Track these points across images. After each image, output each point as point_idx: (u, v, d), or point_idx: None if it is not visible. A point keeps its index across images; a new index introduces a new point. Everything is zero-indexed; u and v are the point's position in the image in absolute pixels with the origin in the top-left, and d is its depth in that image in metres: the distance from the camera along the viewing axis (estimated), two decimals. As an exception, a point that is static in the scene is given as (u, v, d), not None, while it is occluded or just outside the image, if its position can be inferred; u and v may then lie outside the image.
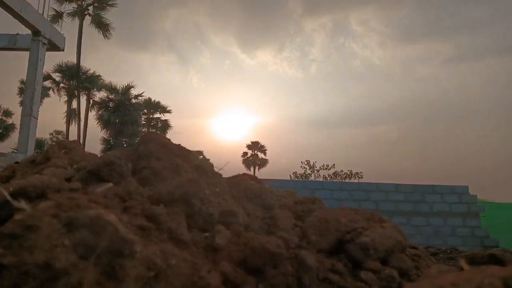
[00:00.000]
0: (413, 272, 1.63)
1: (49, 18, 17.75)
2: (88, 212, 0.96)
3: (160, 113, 32.67)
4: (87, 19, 25.41)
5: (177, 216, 1.38)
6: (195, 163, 1.69)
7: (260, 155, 43.40)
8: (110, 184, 1.39)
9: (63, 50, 15.48)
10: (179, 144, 1.96)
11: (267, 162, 43.42)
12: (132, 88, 30.07)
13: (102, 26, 25.77)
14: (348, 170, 35.80)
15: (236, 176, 1.90)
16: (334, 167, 36.09)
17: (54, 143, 2.02)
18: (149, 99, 31.97)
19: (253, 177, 1.92)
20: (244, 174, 1.92)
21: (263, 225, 1.65)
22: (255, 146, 43.34)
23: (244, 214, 1.68)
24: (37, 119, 12.55)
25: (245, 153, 43.14)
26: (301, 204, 1.89)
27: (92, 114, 29.37)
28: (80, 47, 25.17)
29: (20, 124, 13.19)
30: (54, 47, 14.41)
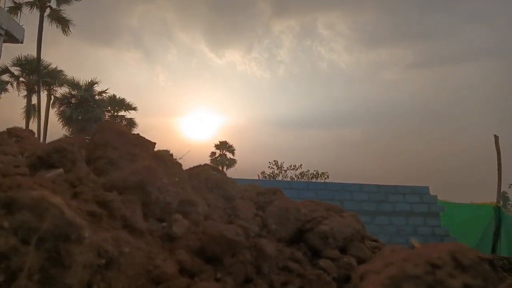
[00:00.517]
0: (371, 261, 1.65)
1: (6, 9, 16.94)
2: (30, 193, 0.89)
3: (125, 111, 31.79)
4: (48, 12, 24.42)
5: (132, 204, 1.33)
6: (152, 152, 1.64)
7: (229, 155, 43.22)
8: (61, 170, 1.32)
9: (22, 42, 14.81)
10: (138, 134, 1.90)
11: (235, 162, 43.30)
12: (96, 84, 29.11)
13: (62, 22, 24.81)
14: (314, 170, 36.24)
15: (197, 166, 1.86)
16: (301, 167, 36.46)
17: (3, 131, 1.91)
18: (114, 96, 31.04)
19: (215, 168, 1.89)
20: (205, 164, 1.88)
21: (223, 215, 1.62)
22: (223, 146, 43.09)
23: (205, 204, 1.65)
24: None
25: (213, 153, 42.81)
26: (263, 195, 1.88)
27: (53, 110, 28.24)
28: (41, 41, 24.12)
29: (-26, 119, 12.49)
30: (12, 38, 13.78)
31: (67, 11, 25.43)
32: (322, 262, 1.41)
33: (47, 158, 1.44)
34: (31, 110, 26.75)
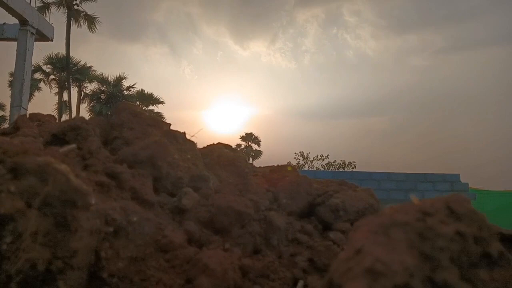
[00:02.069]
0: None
1: (36, 8, 17.49)
2: (36, 159, 0.92)
3: (153, 105, 32.41)
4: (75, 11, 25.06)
5: (142, 177, 1.35)
6: (165, 130, 1.66)
7: (254, 146, 43.37)
8: (74, 145, 1.36)
9: (52, 40, 15.27)
10: (152, 115, 1.92)
11: (261, 154, 43.41)
12: (124, 80, 29.80)
13: (89, 19, 25.42)
14: (341, 160, 35.91)
15: (210, 145, 1.87)
16: (327, 158, 36.18)
17: (24, 115, 1.98)
18: (142, 90, 31.67)
19: (228, 146, 1.89)
20: (218, 143, 1.89)
21: (235, 190, 1.63)
22: (249, 137, 43.26)
23: (216, 180, 1.66)
24: (27, 110, 12.41)
25: (239, 145, 43.05)
26: (276, 172, 1.87)
27: (84, 106, 29.11)
28: (69, 38, 24.86)
29: (10, 115, 13.04)
30: (42, 37, 14.21)
31: (93, 9, 26.03)
32: (332, 234, 1.40)
33: (61, 136, 1.49)
34: (62, 107, 27.66)
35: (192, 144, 1.70)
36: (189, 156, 1.61)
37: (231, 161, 1.77)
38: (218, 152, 1.79)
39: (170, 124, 1.92)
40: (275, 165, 1.90)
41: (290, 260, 1.33)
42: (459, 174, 11.99)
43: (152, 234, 1.23)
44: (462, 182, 11.90)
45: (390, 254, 0.52)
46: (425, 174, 12.18)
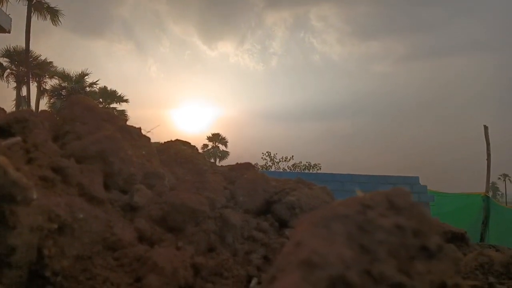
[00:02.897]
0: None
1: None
2: (-31, 150, 0.86)
3: (116, 103, 31.49)
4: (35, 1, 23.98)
5: (92, 173, 1.30)
6: (119, 125, 1.60)
7: (221, 147, 43.14)
8: (18, 138, 1.28)
9: (9, 32, 14.58)
10: (107, 109, 1.86)
11: (228, 154, 43.23)
12: (87, 76, 28.74)
13: (51, 12, 24.41)
14: (306, 162, 36.31)
15: (167, 141, 1.83)
16: (293, 159, 36.49)
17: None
18: (105, 88, 30.69)
19: (186, 143, 1.85)
20: (176, 140, 1.85)
21: (191, 188, 1.59)
22: (216, 138, 42.98)
23: (173, 177, 1.62)
24: (-20, 104, 11.77)
25: (205, 145, 42.67)
26: (236, 170, 1.85)
27: (44, 102, 27.88)
28: (30, 31, 23.73)
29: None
30: (-2, 28, 13.55)
31: (55, 1, 25.06)
32: (288, 232, 1.40)
33: (7, 128, 1.40)
34: (21, 102, 26.40)
35: (147, 140, 1.66)
36: (144, 152, 1.56)
37: (189, 158, 1.74)
38: (176, 149, 1.75)
39: (126, 120, 1.87)
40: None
41: (245, 258, 1.32)
42: (418, 177, 12.40)
43: (101, 232, 1.18)
44: (421, 184, 12.32)
45: (327, 246, 0.51)
46: (386, 176, 12.53)
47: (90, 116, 1.78)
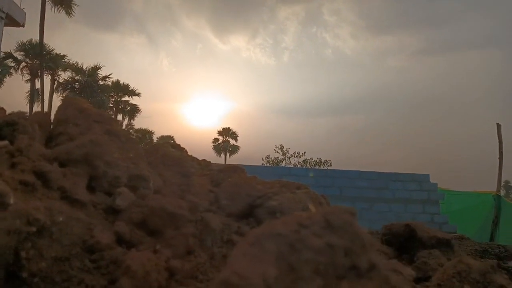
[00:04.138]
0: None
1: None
2: None
3: (129, 96, 31.85)
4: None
5: (75, 176, 1.34)
6: (107, 127, 1.65)
7: (232, 141, 43.30)
8: (6, 142, 1.33)
9: (23, 26, 14.80)
10: (101, 110, 1.91)
11: (238, 149, 43.40)
12: (100, 69, 29.15)
13: (65, 4, 24.71)
14: (317, 158, 36.26)
15: (156, 143, 1.87)
16: (304, 155, 36.47)
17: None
18: (117, 81, 31.08)
19: (175, 145, 1.89)
20: (165, 142, 1.89)
21: (177, 191, 1.63)
22: (226, 132, 43.14)
23: (159, 180, 1.66)
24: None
25: (216, 139, 42.90)
26: (224, 172, 1.89)
27: (57, 95, 28.34)
28: (43, 25, 24.10)
29: (-24, 102, 12.57)
30: (13, 22, 13.75)
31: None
32: (265, 237, 1.42)
33: (-3, 131, 1.46)
34: (34, 95, 26.87)
35: (135, 142, 1.70)
36: (131, 155, 1.60)
37: (177, 161, 1.77)
38: (164, 151, 1.79)
39: (119, 121, 1.91)
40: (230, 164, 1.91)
41: (222, 261, 1.35)
42: (428, 175, 12.27)
43: (81, 234, 1.23)
44: (432, 182, 12.18)
45: (252, 266, 0.54)
46: (396, 173, 12.42)
47: (82, 118, 1.83)
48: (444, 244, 1.78)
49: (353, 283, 0.57)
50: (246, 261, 0.55)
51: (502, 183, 12.15)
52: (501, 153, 12.52)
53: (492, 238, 11.41)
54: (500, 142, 12.48)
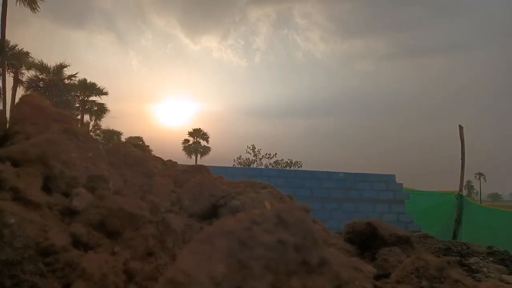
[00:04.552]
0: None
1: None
2: None
3: (96, 96, 31.00)
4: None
5: (29, 176, 1.29)
6: (65, 126, 1.59)
7: (203, 142, 42.97)
8: (-47, 141, 1.26)
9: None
10: (60, 109, 1.85)
11: (210, 150, 43.11)
12: (65, 68, 28.22)
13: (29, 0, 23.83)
14: (288, 159, 36.56)
15: (117, 143, 1.82)
16: (275, 156, 36.68)
17: None
18: (84, 80, 30.19)
19: (137, 145, 1.86)
20: (127, 141, 1.85)
21: (138, 191, 1.60)
22: (197, 133, 42.78)
23: (120, 180, 1.62)
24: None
25: (186, 140, 42.45)
26: (188, 172, 1.86)
27: (20, 94, 27.21)
28: (5, 20, 23.11)
29: None
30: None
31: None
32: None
33: None
34: (-4, 94, 25.69)
35: (95, 142, 1.65)
36: (90, 154, 1.56)
37: (139, 160, 1.74)
38: (125, 151, 1.75)
39: (79, 120, 1.85)
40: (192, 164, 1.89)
41: (183, 262, 1.34)
42: (394, 175, 12.59)
43: (34, 237, 1.18)
44: (397, 182, 12.50)
45: (200, 264, 0.53)
46: (363, 174, 12.67)
47: (40, 116, 1.76)
48: (404, 241, 1.83)
49: (303, 279, 0.58)
50: (195, 259, 0.54)
51: (464, 183, 12.61)
52: (463, 153, 13.01)
53: (455, 236, 11.84)
54: (462, 143, 12.98)
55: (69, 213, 1.34)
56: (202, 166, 1.91)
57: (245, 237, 0.59)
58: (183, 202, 1.53)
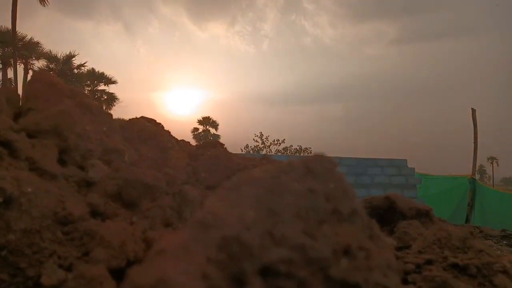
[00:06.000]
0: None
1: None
2: None
3: (105, 85, 31.08)
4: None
5: (45, 147, 1.28)
6: (78, 100, 1.57)
7: (212, 130, 43.01)
8: (-32, 113, 1.25)
9: (-8, 12, 14.18)
10: (72, 86, 1.83)
11: (219, 138, 43.13)
12: (74, 58, 28.32)
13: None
14: (298, 146, 36.45)
15: (132, 119, 1.81)
16: (284, 142, 36.59)
17: None
18: (93, 69, 30.28)
19: (151, 120, 1.83)
20: (141, 117, 1.83)
21: (153, 165, 1.58)
22: (206, 121, 42.80)
23: (134, 153, 1.60)
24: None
25: (195, 129, 42.54)
26: (201, 148, 1.84)
27: (31, 84, 27.38)
28: (16, 11, 23.18)
29: None
30: (-19, 7, 13.18)
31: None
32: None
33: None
34: (7, 84, 25.94)
35: (109, 116, 1.63)
36: (105, 128, 1.54)
37: (153, 135, 1.72)
38: (140, 126, 1.73)
39: (90, 97, 1.84)
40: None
41: (201, 233, 1.32)
42: (406, 160, 12.49)
43: (51, 206, 1.17)
44: (409, 167, 12.40)
45: (228, 209, 0.51)
46: (374, 159, 12.59)
47: (53, 93, 1.74)
48: (423, 215, 1.80)
49: (334, 227, 0.55)
50: (221, 204, 0.52)
51: (477, 168, 12.46)
52: (475, 137, 12.82)
53: (467, 220, 11.74)
54: (475, 127, 12.78)
55: (86, 185, 1.33)
56: (217, 142, 1.88)
57: (273, 185, 0.56)
58: (199, 175, 1.51)
